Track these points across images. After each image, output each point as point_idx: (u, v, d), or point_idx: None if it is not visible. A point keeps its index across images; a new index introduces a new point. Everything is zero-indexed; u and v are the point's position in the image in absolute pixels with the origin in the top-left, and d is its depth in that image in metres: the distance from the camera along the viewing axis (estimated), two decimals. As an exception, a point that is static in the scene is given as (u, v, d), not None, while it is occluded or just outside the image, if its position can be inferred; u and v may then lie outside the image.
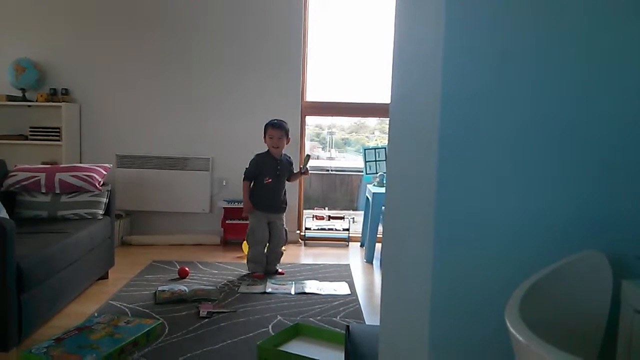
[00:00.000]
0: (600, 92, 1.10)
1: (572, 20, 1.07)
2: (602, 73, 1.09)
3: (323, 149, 6.87)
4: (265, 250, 4.06)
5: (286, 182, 4.14)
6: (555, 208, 1.11)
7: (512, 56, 1.08)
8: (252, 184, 4.04)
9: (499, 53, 1.08)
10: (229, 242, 5.02)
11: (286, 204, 4.16)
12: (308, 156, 4.30)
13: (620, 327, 1.04)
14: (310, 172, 4.29)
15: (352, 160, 6.81)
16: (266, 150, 4.06)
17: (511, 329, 0.81)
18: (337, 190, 6.79)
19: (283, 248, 4.21)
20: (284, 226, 4.14)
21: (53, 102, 4.92)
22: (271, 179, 3.99)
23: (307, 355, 2.53)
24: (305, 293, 3.67)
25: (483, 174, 1.11)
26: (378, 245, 4.60)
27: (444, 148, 1.10)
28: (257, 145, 4.11)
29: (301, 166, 4.24)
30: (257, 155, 4.06)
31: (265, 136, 4.02)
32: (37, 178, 3.64)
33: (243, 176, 4.05)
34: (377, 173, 5.06)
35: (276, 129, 3.99)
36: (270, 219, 4.05)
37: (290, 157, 4.17)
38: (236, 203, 4.91)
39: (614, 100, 1.10)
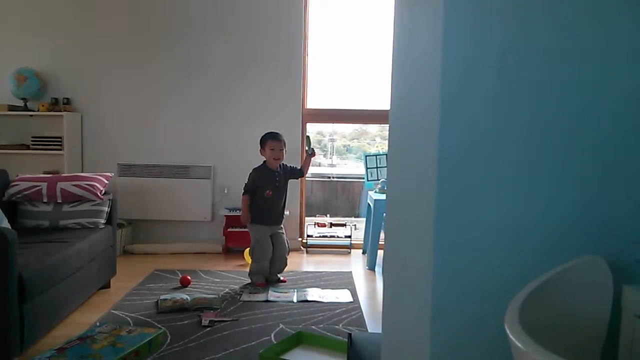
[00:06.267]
0: (602, 92, 1.08)
1: (572, 18, 1.07)
2: (603, 72, 1.08)
3: (324, 156, 6.88)
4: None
5: (287, 192, 4.14)
6: (555, 212, 1.11)
7: (511, 55, 1.08)
8: (252, 198, 4.02)
9: (497, 52, 1.07)
10: (230, 250, 5.01)
11: (285, 214, 4.18)
12: (308, 137, 4.31)
13: (621, 333, 1.04)
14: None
15: (353, 167, 6.82)
16: (262, 163, 4.05)
17: (510, 336, 0.80)
18: (339, 197, 6.79)
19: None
20: (285, 234, 4.15)
21: (54, 111, 4.94)
22: (271, 191, 4.00)
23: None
24: (307, 301, 3.66)
25: (483, 178, 1.11)
26: (380, 252, 4.59)
27: (444, 151, 1.10)
28: (258, 153, 4.10)
29: (307, 149, 4.24)
30: (255, 169, 4.05)
31: (264, 148, 4.00)
32: (38, 187, 3.64)
33: (243, 190, 4.05)
34: (378, 179, 5.06)
35: (277, 140, 3.99)
36: (272, 231, 4.05)
37: (285, 164, 4.15)
38: (238, 211, 4.89)
39: (616, 100, 1.08)
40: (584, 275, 1.04)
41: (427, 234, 1.16)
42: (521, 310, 0.86)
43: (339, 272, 4.50)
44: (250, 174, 4.04)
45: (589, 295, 1.04)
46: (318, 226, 5.41)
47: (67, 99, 5.06)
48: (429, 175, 1.15)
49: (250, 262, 4.13)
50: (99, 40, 5.09)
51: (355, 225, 5.61)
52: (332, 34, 5.51)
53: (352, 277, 4.32)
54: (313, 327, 3.19)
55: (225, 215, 5.00)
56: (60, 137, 4.92)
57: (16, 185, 3.65)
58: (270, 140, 3.98)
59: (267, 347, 2.77)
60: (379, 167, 5.16)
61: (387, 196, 1.71)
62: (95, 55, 5.10)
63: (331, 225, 5.43)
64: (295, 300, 3.66)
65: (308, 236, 5.30)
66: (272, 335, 3.05)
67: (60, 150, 4.92)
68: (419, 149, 1.26)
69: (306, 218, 5.47)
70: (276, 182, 4.02)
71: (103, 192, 3.82)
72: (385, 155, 5.12)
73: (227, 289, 3.89)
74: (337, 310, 3.49)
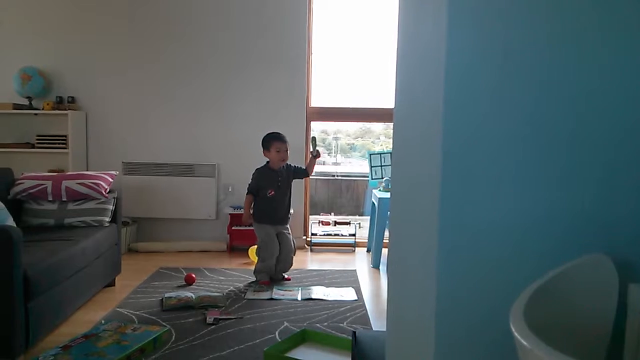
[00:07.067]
0: (605, 91, 1.08)
1: (576, 17, 1.06)
2: (606, 71, 1.07)
3: (329, 154, 6.88)
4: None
5: (291, 192, 4.15)
6: (560, 210, 1.10)
7: (514, 54, 1.07)
8: (255, 198, 4.04)
9: (501, 50, 1.07)
10: (235, 249, 5.02)
11: (290, 214, 4.19)
12: (314, 138, 4.32)
13: (626, 332, 1.03)
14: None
15: (357, 166, 6.82)
16: (265, 163, 4.07)
17: (516, 334, 0.80)
18: (343, 196, 6.79)
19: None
20: (291, 235, 4.15)
21: (59, 110, 4.96)
22: (273, 190, 4.00)
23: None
24: (311, 299, 3.67)
25: (486, 177, 1.10)
26: (384, 251, 4.59)
27: (448, 149, 1.09)
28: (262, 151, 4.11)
29: (311, 151, 4.24)
30: (257, 169, 4.07)
31: (269, 150, 4.01)
32: (43, 186, 3.65)
33: (246, 190, 4.06)
34: (382, 178, 5.05)
35: (282, 142, 4.00)
36: (277, 230, 4.06)
37: (290, 163, 4.16)
38: (242, 209, 4.91)
39: (619, 99, 1.08)
40: (589, 273, 1.04)
41: (430, 232, 1.15)
42: (526, 308, 0.86)
43: (344, 270, 4.50)
44: (253, 174, 4.05)
45: (594, 294, 1.03)
46: (322, 224, 5.41)
47: (72, 97, 5.07)
48: (432, 173, 1.14)
49: (255, 260, 4.14)
50: (103, 39, 5.10)
51: (359, 223, 5.61)
52: (336, 32, 5.50)
53: (356, 275, 4.32)
54: (317, 325, 3.19)
55: (230, 214, 5.01)
56: (65, 136, 4.94)
57: (21, 183, 3.66)
58: (276, 141, 3.99)
59: (272, 345, 2.77)
60: (384, 166, 5.16)
61: (391, 194, 1.71)
62: (100, 54, 5.11)
63: (335, 223, 5.43)
64: (299, 299, 3.67)
65: (312, 234, 5.30)
66: (277, 333, 3.05)
67: (65, 148, 4.94)
68: (422, 147, 1.26)
69: (310, 216, 5.48)
70: (278, 181, 4.02)
71: (108, 190, 3.83)
72: (389, 154, 5.11)
73: (231, 287, 3.90)
74: (342, 308, 3.50)
